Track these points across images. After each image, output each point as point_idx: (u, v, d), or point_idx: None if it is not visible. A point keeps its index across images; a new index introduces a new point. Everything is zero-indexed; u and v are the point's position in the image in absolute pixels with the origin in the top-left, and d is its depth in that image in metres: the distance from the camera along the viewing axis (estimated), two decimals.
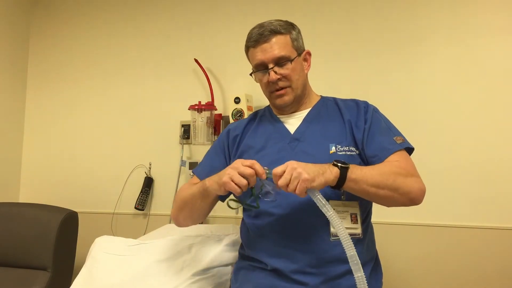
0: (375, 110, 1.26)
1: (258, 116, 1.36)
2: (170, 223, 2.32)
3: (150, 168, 2.48)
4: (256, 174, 1.01)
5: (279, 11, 2.33)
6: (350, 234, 0.98)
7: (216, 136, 2.25)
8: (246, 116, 2.06)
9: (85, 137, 2.65)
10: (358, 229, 1.12)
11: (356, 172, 1.03)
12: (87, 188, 2.60)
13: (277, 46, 1.20)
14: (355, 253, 0.93)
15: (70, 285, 1.39)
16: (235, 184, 1.02)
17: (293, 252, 1.11)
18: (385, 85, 2.12)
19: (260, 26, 1.23)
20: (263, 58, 1.21)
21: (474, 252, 1.91)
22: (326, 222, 1.03)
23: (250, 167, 1.02)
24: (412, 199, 1.11)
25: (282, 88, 1.22)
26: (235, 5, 2.42)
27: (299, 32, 1.27)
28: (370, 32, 2.17)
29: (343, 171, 1.00)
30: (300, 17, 2.29)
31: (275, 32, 1.20)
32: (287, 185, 0.96)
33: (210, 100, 2.29)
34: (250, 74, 1.31)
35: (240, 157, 1.25)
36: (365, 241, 1.17)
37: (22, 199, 2.73)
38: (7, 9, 2.70)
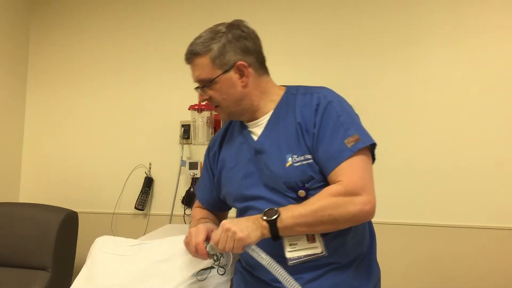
0: (330, 103, 1.12)
1: (233, 123, 1.31)
2: (170, 223, 2.33)
3: (150, 168, 2.48)
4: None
5: (279, 11, 2.34)
6: (310, 255, 1.03)
7: None
8: None
9: (85, 137, 2.65)
10: (317, 248, 1.06)
11: (287, 220, 1.01)
12: (87, 188, 2.60)
13: (196, 69, 1.15)
14: None
15: (70, 285, 1.39)
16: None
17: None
18: (383, 85, 2.12)
19: (190, 44, 1.18)
20: (193, 78, 1.19)
21: (474, 252, 1.91)
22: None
23: (195, 248, 1.10)
24: (357, 221, 1.06)
25: (215, 106, 1.19)
26: (234, 5, 2.42)
27: (230, 41, 1.13)
28: (369, 33, 2.17)
29: (272, 225, 1.01)
30: (298, 17, 2.29)
31: (194, 54, 1.14)
32: (225, 247, 1.01)
33: None
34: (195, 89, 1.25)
35: (219, 174, 1.27)
36: (341, 248, 1.13)
37: (22, 199, 2.73)
38: (7, 9, 2.69)
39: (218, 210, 1.36)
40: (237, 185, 1.18)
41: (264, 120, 1.19)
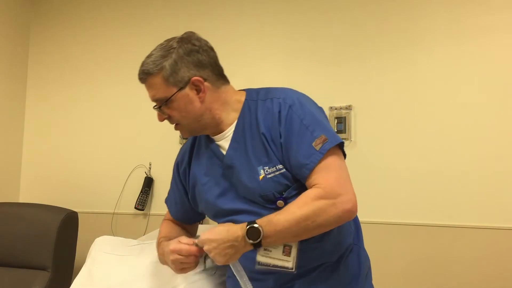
0: (291, 107, 1.08)
1: (198, 136, 1.26)
2: None
3: (150, 168, 2.48)
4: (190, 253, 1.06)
5: (279, 11, 2.33)
6: (279, 266, 1.02)
7: None
8: None
9: (85, 137, 2.65)
10: (289, 263, 1.03)
11: (271, 236, 0.99)
12: (87, 188, 2.60)
13: (151, 89, 1.12)
14: None
15: (70, 285, 1.39)
16: (180, 269, 1.09)
17: (257, 275, 1.12)
18: (383, 85, 2.12)
19: (141, 64, 1.15)
20: (150, 97, 1.15)
21: (474, 252, 1.91)
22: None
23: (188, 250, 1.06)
24: (341, 222, 1.04)
25: (175, 124, 1.15)
26: (234, 5, 2.42)
27: (181, 57, 1.09)
28: (368, 33, 2.17)
29: (257, 245, 0.99)
30: (299, 17, 2.29)
31: (146, 74, 1.11)
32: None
33: None
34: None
35: (193, 190, 1.24)
36: (328, 247, 1.13)
37: (22, 199, 2.73)
38: (8, 9, 2.70)
39: (189, 223, 1.35)
40: (213, 201, 1.16)
41: (229, 132, 1.15)
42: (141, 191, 2.44)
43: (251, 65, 2.34)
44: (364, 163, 2.06)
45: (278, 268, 1.03)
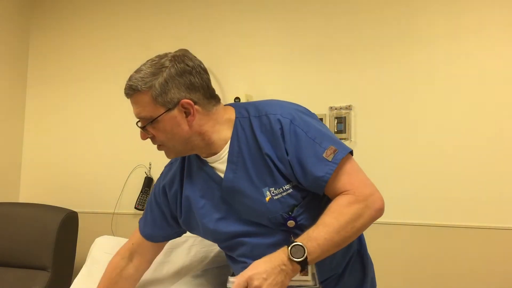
0: (292, 122, 1.04)
1: (187, 158, 1.20)
2: None
3: (150, 168, 2.48)
4: None
5: (278, 10, 2.33)
6: (301, 286, 0.98)
7: None
8: None
9: (85, 137, 2.65)
10: (309, 281, 1.00)
11: (315, 252, 0.94)
12: (87, 188, 2.60)
13: (137, 106, 1.05)
14: None
15: (70, 285, 1.39)
16: None
17: None
18: (383, 84, 2.12)
19: (128, 78, 1.07)
20: (134, 113, 1.08)
21: (474, 252, 1.91)
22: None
23: None
24: (375, 220, 1.03)
25: (159, 145, 1.09)
26: (234, 5, 2.42)
27: (172, 77, 1.02)
28: (368, 32, 2.16)
29: (303, 263, 0.93)
30: (298, 17, 2.29)
31: (133, 90, 1.03)
32: None
33: None
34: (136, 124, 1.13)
35: (187, 214, 1.17)
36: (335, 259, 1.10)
37: (22, 199, 2.73)
38: (7, 9, 2.70)
39: (160, 241, 1.27)
40: (213, 226, 1.11)
41: (224, 154, 1.09)
42: (141, 191, 2.44)
43: (250, 65, 2.33)
44: (363, 163, 2.02)
45: (302, 286, 1.00)
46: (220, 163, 1.10)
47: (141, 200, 2.43)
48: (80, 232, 2.22)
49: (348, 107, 2.13)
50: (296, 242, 0.93)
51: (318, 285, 1.01)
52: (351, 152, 1.06)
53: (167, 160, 2.60)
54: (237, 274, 1.00)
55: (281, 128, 1.04)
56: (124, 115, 2.57)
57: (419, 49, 2.07)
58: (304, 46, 2.27)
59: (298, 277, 0.98)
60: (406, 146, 2.06)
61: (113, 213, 2.51)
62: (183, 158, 1.20)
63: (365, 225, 1.00)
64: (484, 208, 1.91)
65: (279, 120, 1.04)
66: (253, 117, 1.09)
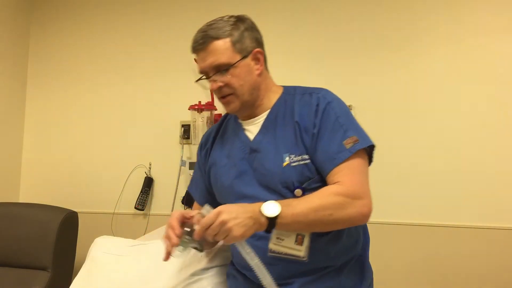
0: (329, 103, 1.12)
1: (226, 120, 1.29)
2: None
3: (150, 168, 2.48)
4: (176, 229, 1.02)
5: (278, 10, 2.33)
6: (291, 255, 1.01)
7: None
8: None
9: (85, 137, 2.65)
10: (300, 252, 1.03)
11: (287, 218, 0.96)
12: (87, 188, 2.60)
13: (214, 54, 1.10)
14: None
15: (70, 285, 1.39)
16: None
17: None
18: (383, 84, 2.12)
19: (199, 30, 1.14)
20: (203, 66, 1.13)
21: (474, 252, 1.91)
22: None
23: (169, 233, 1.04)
24: (352, 224, 1.07)
25: (227, 95, 1.14)
26: (234, 4, 2.42)
27: (246, 29, 1.14)
28: (368, 32, 2.17)
29: (271, 222, 0.96)
30: (298, 16, 2.29)
31: (211, 38, 1.10)
32: (214, 235, 0.94)
33: (210, 100, 2.29)
34: (196, 81, 1.20)
35: (209, 171, 1.25)
36: (336, 251, 1.12)
37: (22, 199, 2.73)
38: (7, 9, 2.70)
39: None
40: (229, 183, 1.17)
41: (261, 119, 1.18)
42: (141, 191, 2.44)
43: None
44: None
45: (291, 257, 1.03)
46: (254, 126, 1.19)
47: (141, 200, 2.43)
48: (80, 232, 2.22)
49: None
50: (274, 201, 0.97)
51: (307, 259, 1.04)
52: (372, 148, 1.11)
53: (167, 160, 2.61)
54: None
55: (318, 105, 1.12)
56: (125, 115, 2.59)
57: (419, 49, 2.07)
58: (304, 47, 2.27)
59: (292, 245, 1.02)
60: (406, 146, 2.06)
61: (113, 213, 2.51)
62: (221, 122, 1.30)
63: (344, 221, 1.03)
64: (484, 208, 1.91)
65: (318, 98, 1.14)
66: (298, 94, 1.19)
